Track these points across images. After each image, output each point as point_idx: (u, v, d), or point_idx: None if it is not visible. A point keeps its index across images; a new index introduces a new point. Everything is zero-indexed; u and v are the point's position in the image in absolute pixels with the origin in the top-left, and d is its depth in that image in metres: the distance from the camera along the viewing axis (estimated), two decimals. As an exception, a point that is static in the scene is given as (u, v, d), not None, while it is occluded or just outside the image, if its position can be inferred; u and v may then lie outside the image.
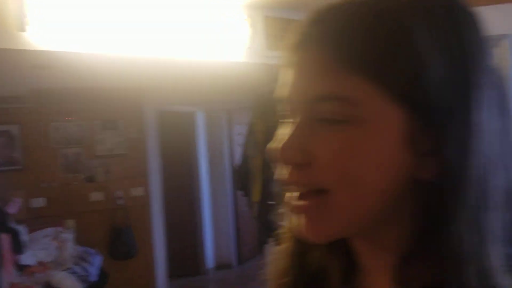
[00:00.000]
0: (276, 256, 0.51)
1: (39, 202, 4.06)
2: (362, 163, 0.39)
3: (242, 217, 5.28)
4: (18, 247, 3.21)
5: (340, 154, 0.39)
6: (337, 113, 0.39)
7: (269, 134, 1.36)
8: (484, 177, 0.37)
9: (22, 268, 3.19)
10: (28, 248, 3.38)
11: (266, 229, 2.79)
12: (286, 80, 0.43)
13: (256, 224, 3.13)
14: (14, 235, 3.18)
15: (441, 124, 0.37)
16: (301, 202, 0.41)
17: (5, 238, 3.00)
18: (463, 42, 0.38)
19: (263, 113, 2.77)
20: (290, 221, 0.48)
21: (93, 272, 3.65)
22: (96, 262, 3.80)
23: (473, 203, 0.36)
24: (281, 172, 0.42)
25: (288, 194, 0.43)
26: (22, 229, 3.39)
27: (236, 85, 3.59)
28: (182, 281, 5.07)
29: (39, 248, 3.52)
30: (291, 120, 0.42)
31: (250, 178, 2.95)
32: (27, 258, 3.31)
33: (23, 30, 1.95)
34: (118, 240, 4.32)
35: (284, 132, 0.42)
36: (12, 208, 3.48)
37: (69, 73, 3.27)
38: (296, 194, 0.42)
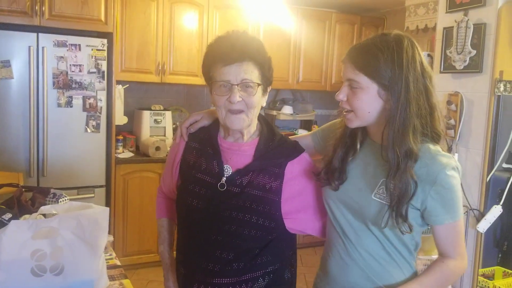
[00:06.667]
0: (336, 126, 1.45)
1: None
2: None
3: None
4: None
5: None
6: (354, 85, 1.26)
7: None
8: (404, 109, 1.21)
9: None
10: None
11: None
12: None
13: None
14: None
15: (390, 90, 1.22)
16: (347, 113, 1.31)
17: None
18: (402, 59, 1.21)
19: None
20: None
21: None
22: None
23: (401, 115, 1.23)
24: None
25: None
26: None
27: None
28: None
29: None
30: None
31: None
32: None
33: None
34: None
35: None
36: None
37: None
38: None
